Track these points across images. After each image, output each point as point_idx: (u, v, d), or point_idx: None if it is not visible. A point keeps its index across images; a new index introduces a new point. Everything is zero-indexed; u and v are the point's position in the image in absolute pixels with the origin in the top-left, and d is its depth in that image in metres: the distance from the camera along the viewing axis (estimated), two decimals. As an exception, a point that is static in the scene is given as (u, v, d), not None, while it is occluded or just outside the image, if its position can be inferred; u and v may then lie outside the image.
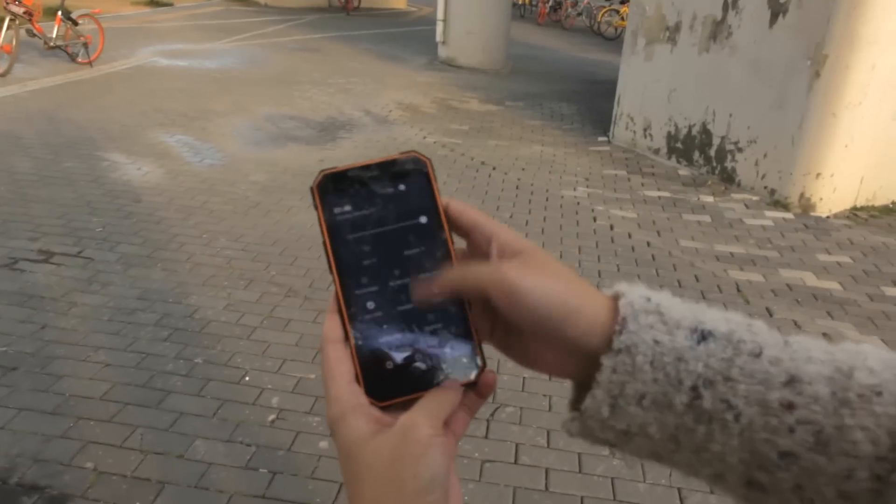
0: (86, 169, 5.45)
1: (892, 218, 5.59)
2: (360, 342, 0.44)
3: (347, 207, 0.45)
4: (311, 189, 0.45)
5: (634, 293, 0.43)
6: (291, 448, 2.66)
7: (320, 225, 0.45)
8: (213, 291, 3.76)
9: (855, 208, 5.70)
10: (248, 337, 3.36)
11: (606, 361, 0.40)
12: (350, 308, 0.44)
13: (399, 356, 0.44)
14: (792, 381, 0.38)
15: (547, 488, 2.54)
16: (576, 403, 0.44)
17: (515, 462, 2.67)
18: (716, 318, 0.42)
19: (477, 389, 0.46)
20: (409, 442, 0.39)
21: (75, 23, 8.94)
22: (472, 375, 0.45)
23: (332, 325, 0.44)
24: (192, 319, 3.48)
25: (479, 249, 0.46)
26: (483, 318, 0.46)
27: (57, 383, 2.92)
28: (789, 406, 0.38)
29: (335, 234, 0.45)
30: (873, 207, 5.75)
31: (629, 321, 0.41)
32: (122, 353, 3.16)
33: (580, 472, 2.63)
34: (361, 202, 0.45)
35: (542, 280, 0.42)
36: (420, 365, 0.44)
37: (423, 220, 0.46)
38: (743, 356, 0.39)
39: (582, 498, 2.51)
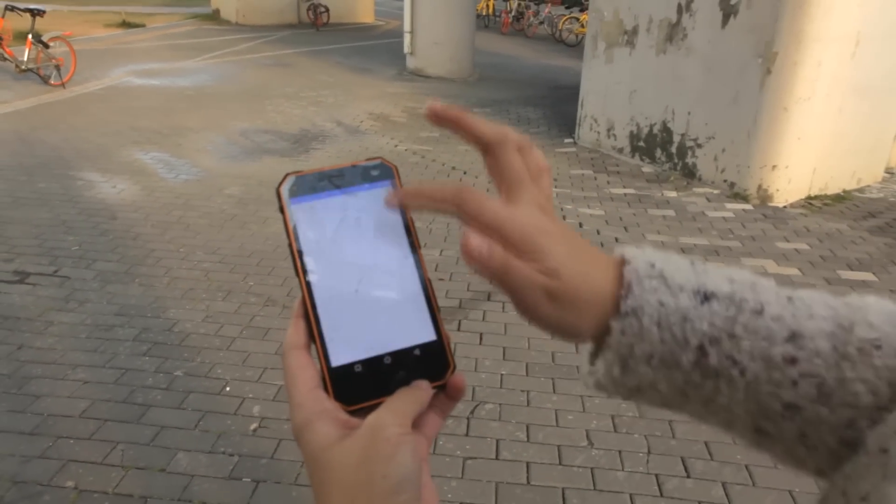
0: (60, 189, 5.30)
1: (844, 205, 5.66)
2: (327, 345, 0.41)
3: (313, 210, 0.43)
4: (276, 191, 0.43)
5: (639, 260, 0.42)
6: (274, 456, 2.59)
7: (286, 227, 0.43)
8: (192, 304, 3.67)
9: (809, 197, 5.76)
10: (227, 347, 3.28)
11: (615, 324, 0.40)
12: (317, 311, 0.42)
13: (367, 359, 0.42)
14: (794, 336, 0.39)
15: (528, 482, 2.50)
16: (593, 358, 0.44)
17: (497, 458, 2.62)
18: (719, 279, 0.41)
19: (447, 392, 0.43)
20: (378, 442, 0.37)
21: (46, 45, 8.73)
22: (442, 376, 0.43)
23: (296, 331, 0.42)
24: (171, 333, 3.38)
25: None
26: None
27: (35, 403, 2.81)
28: (792, 360, 0.38)
29: (301, 236, 0.43)
30: (826, 196, 5.82)
31: (634, 286, 0.40)
32: (101, 370, 3.05)
33: (560, 464, 2.59)
34: (327, 205, 0.43)
35: (580, 268, 0.41)
36: (388, 367, 0.42)
37: (390, 223, 0.44)
38: (745, 314, 0.39)
39: (563, 489, 2.47)
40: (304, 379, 0.40)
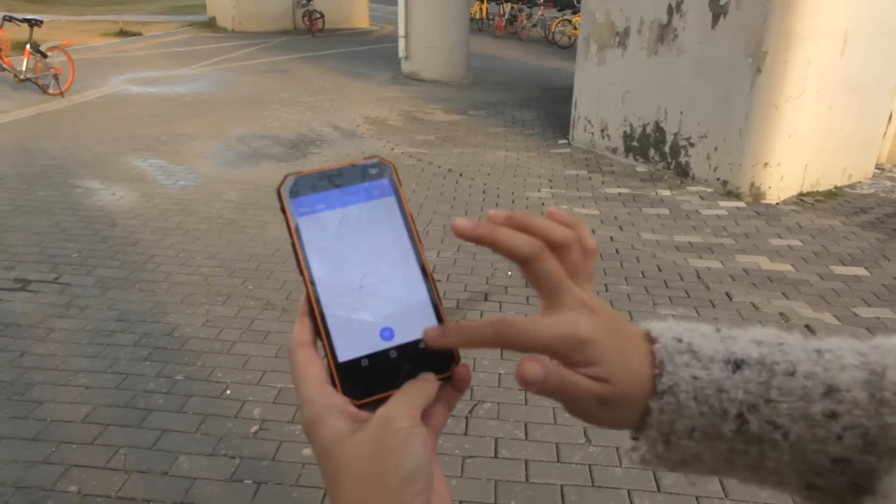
0: (60, 197, 5.30)
1: (836, 201, 5.68)
2: (333, 341, 0.42)
3: (314, 209, 0.44)
4: (277, 192, 0.43)
5: (666, 336, 0.42)
6: (275, 457, 2.59)
7: (288, 227, 0.43)
8: (192, 309, 3.66)
9: (801, 194, 5.78)
10: (227, 351, 3.27)
11: (654, 404, 0.41)
12: (322, 308, 0.42)
13: (373, 353, 0.42)
14: (830, 391, 0.39)
15: (527, 479, 2.51)
16: (636, 433, 0.44)
17: (496, 456, 2.62)
18: (746, 343, 0.42)
19: (453, 383, 0.44)
20: (389, 434, 0.37)
21: (44, 55, 8.73)
22: (447, 369, 0.43)
23: (302, 329, 0.42)
24: (171, 337, 3.38)
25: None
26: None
27: (37, 409, 2.80)
28: (833, 415, 0.38)
29: (303, 235, 0.43)
30: (818, 192, 5.84)
31: (666, 363, 0.41)
32: (103, 375, 3.05)
33: (558, 461, 2.60)
34: (327, 204, 0.44)
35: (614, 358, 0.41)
36: (395, 361, 0.42)
37: (390, 219, 0.45)
38: (778, 377, 0.40)
39: (562, 486, 2.47)
40: (312, 374, 0.40)
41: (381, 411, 0.39)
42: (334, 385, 0.41)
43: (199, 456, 2.58)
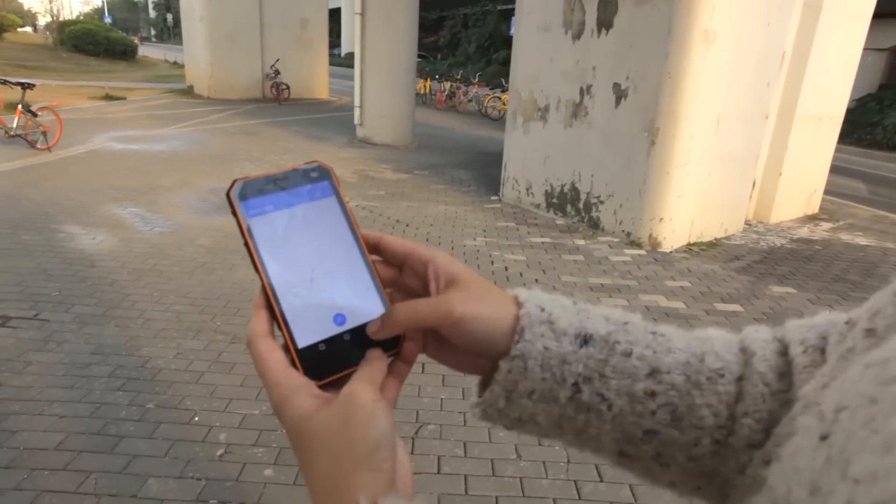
0: (43, 240, 5.01)
1: (716, 250, 5.97)
2: (292, 329, 0.40)
3: (263, 210, 0.42)
4: (227, 195, 0.41)
5: (532, 303, 0.42)
6: (239, 478, 2.45)
7: (240, 228, 0.41)
8: (164, 343, 3.49)
9: (689, 244, 6.05)
10: (196, 381, 3.12)
11: (503, 365, 0.41)
12: (279, 300, 0.40)
13: (329, 338, 0.41)
14: (653, 372, 0.39)
15: (466, 492, 2.46)
16: (481, 393, 0.43)
17: (438, 472, 2.57)
18: (597, 319, 0.42)
19: (403, 356, 0.44)
20: (356, 408, 0.37)
21: (34, 114, 8.35)
22: (396, 345, 0.43)
23: (259, 321, 0.40)
24: (144, 369, 3.20)
25: (415, 272, 0.45)
26: (418, 334, 0.45)
27: (11, 438, 2.58)
28: (652, 394, 0.39)
29: (255, 235, 0.41)
30: (702, 243, 6.12)
31: (525, 331, 0.40)
32: (77, 405, 2.84)
33: (494, 475, 2.56)
34: (275, 205, 0.42)
35: (482, 307, 0.41)
36: (349, 343, 0.41)
37: (332, 215, 0.44)
38: (616, 356, 0.40)
39: (496, 497, 2.43)
40: (275, 360, 0.39)
41: (346, 389, 0.38)
42: (296, 369, 0.40)
43: (167, 478, 2.42)
